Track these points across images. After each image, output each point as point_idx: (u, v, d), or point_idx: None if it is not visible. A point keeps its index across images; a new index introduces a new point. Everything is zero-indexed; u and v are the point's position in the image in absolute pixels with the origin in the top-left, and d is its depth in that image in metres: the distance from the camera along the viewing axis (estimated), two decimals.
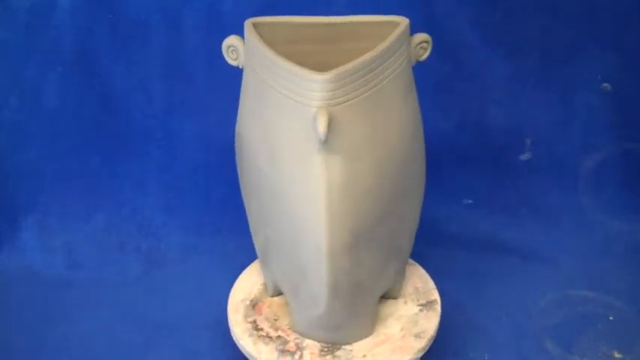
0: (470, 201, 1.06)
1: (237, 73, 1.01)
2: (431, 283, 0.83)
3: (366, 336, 0.76)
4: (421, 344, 0.75)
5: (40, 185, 1.04)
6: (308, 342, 0.75)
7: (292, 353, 0.74)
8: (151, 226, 1.04)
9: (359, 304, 0.72)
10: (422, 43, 0.69)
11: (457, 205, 1.06)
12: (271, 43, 0.65)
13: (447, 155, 1.06)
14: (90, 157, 1.04)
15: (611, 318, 0.89)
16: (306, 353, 0.74)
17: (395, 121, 0.66)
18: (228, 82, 1.01)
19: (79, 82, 1.01)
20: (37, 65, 1.00)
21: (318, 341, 0.75)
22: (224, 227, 1.04)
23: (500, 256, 1.00)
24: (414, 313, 0.78)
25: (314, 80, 0.60)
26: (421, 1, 0.98)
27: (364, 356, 0.73)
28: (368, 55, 0.62)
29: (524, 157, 1.07)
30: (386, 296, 0.79)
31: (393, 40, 0.64)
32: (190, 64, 1.01)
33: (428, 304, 0.79)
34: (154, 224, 1.04)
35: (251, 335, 0.76)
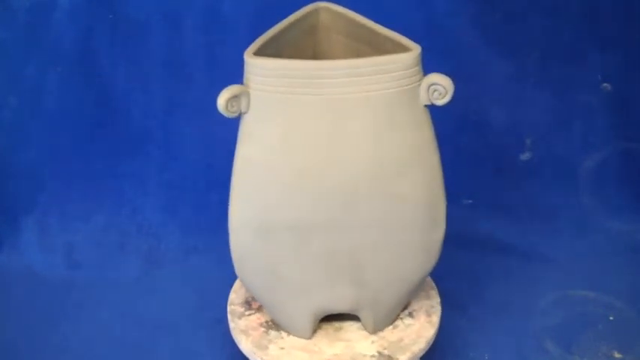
0: (470, 201, 1.06)
1: (237, 73, 1.01)
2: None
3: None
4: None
5: (40, 185, 1.04)
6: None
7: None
8: (151, 226, 1.04)
9: None
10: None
11: (457, 205, 1.06)
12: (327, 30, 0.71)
13: (447, 155, 1.05)
14: (90, 157, 1.04)
15: (611, 318, 0.89)
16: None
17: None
18: (229, 82, 1.01)
19: (79, 82, 1.01)
20: (37, 65, 1.00)
21: (381, 327, 0.76)
22: (224, 227, 1.03)
23: (500, 256, 1.00)
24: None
25: (412, 57, 0.63)
26: (421, 0, 0.98)
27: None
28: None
29: (524, 157, 1.07)
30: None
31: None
32: (190, 64, 1.01)
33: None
34: (154, 224, 1.04)
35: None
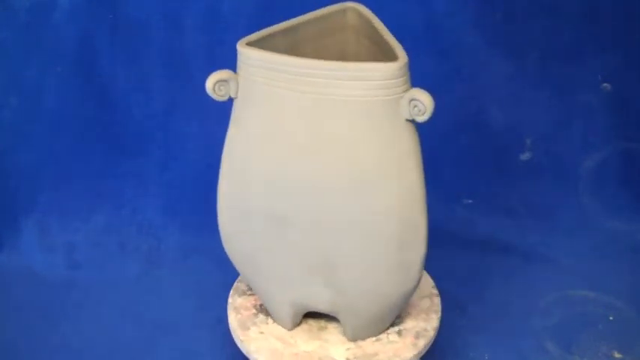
0: (470, 201, 1.06)
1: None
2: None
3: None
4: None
5: (40, 185, 1.04)
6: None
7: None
8: (151, 226, 1.04)
9: None
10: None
11: (457, 205, 1.06)
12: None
13: (447, 155, 1.06)
14: (90, 157, 1.04)
15: (611, 318, 0.89)
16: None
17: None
18: None
19: (79, 82, 1.01)
20: (37, 65, 1.00)
21: (374, 336, 0.76)
22: None
23: (500, 256, 1.00)
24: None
25: (392, 68, 0.61)
26: (421, 0, 0.98)
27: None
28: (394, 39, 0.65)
29: (524, 157, 1.07)
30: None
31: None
32: (190, 64, 1.01)
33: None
34: (154, 224, 1.04)
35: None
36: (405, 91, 0.62)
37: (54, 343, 0.87)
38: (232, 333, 0.78)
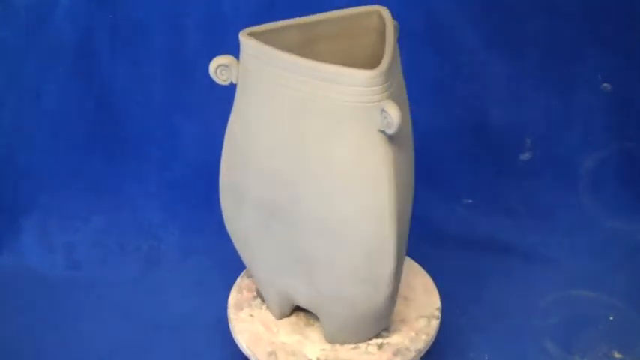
0: (470, 201, 1.06)
1: None
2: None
3: (389, 323, 0.76)
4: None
5: (40, 185, 1.04)
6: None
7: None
8: (151, 226, 1.04)
9: (396, 292, 0.74)
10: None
11: (457, 205, 1.06)
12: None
13: (447, 155, 1.06)
14: (90, 157, 1.04)
15: (611, 318, 0.89)
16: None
17: (405, 104, 0.69)
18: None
19: (79, 82, 1.01)
20: (37, 65, 1.00)
21: (353, 343, 0.75)
22: (224, 227, 1.03)
23: (500, 256, 1.00)
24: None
25: (366, 77, 0.60)
26: (421, 0, 0.98)
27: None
28: (391, 47, 0.63)
29: (524, 157, 1.07)
30: None
31: (394, 31, 0.65)
32: (190, 64, 1.01)
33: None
34: (154, 224, 1.04)
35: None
36: (380, 100, 0.61)
37: (54, 343, 0.87)
38: (227, 309, 0.80)
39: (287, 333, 0.76)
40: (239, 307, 0.80)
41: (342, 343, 0.75)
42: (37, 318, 0.90)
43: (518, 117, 1.05)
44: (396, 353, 0.74)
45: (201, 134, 1.04)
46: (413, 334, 0.76)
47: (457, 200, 1.06)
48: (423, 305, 0.79)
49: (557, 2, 0.99)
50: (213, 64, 0.67)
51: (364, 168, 0.63)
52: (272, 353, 0.74)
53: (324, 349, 0.74)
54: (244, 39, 0.65)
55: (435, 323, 0.77)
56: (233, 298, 0.81)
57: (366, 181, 0.64)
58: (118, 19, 0.99)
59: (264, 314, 0.79)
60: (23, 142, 1.03)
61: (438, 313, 0.78)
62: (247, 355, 0.75)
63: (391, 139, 0.63)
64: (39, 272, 0.98)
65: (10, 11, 0.97)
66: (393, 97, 0.62)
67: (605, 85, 1.03)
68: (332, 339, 0.75)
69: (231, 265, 0.88)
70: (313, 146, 0.64)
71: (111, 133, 1.04)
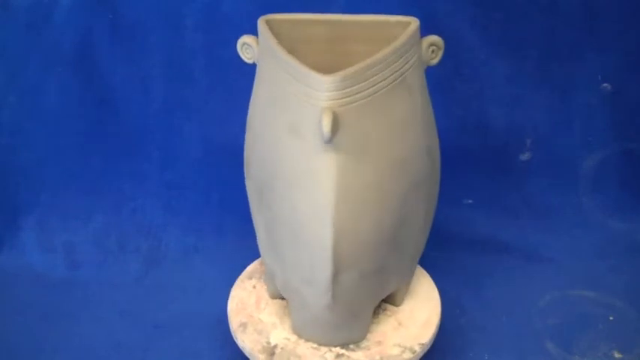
0: (470, 201, 1.06)
1: (236, 73, 1.01)
2: (431, 283, 0.83)
3: (363, 337, 0.75)
4: (420, 345, 0.75)
5: (40, 185, 1.04)
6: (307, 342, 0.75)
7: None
8: (151, 226, 1.04)
9: (359, 306, 0.72)
10: (432, 47, 0.68)
11: (457, 205, 1.06)
12: (285, 40, 0.67)
13: (447, 155, 1.05)
14: (90, 157, 1.04)
15: (611, 318, 0.89)
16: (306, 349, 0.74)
17: (405, 124, 0.66)
18: (229, 82, 1.01)
19: (79, 82, 1.01)
20: (37, 65, 1.00)
21: (316, 343, 0.75)
22: (224, 227, 1.04)
23: (500, 256, 1.00)
24: (414, 313, 0.78)
25: (320, 81, 0.60)
26: (421, 0, 0.98)
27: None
28: (374, 58, 0.62)
29: (524, 157, 1.07)
30: (387, 301, 0.79)
31: (400, 44, 0.64)
32: (190, 64, 1.01)
33: (427, 304, 0.79)
34: (154, 224, 1.04)
35: (238, 303, 0.77)
36: (326, 106, 0.61)
37: (54, 343, 0.87)
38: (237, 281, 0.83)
39: (270, 313, 0.78)
40: (249, 277, 0.83)
41: (306, 339, 0.75)
42: (37, 318, 0.90)
43: (518, 117, 1.05)
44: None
45: (201, 134, 1.04)
46: (377, 357, 0.73)
47: (457, 200, 1.06)
48: (410, 336, 0.75)
49: (557, 2, 0.99)
50: (239, 42, 0.71)
51: (310, 172, 0.64)
52: (243, 325, 0.76)
53: (287, 339, 0.75)
54: (260, 23, 0.68)
55: (407, 356, 0.73)
56: (250, 266, 0.85)
57: (312, 186, 0.64)
58: (118, 19, 0.99)
59: (265, 291, 0.81)
60: (23, 142, 1.03)
61: (417, 349, 0.74)
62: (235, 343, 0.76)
63: (337, 147, 0.62)
64: (39, 272, 0.98)
65: (10, 11, 0.97)
66: (364, 108, 0.62)
67: (605, 85, 1.03)
68: (296, 331, 0.75)
69: (231, 265, 0.88)
70: (282, 143, 0.65)
71: (111, 133, 1.04)
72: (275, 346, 0.74)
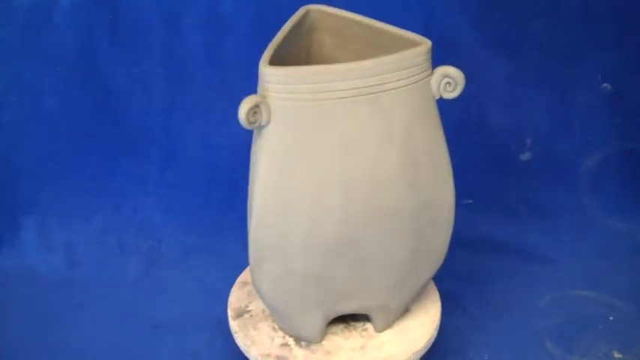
0: (470, 201, 1.06)
1: (236, 73, 1.01)
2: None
3: (315, 340, 0.75)
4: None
5: (40, 185, 1.04)
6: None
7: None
8: (151, 226, 1.04)
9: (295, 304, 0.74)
10: (445, 78, 0.64)
11: (457, 205, 1.06)
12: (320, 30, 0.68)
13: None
14: (90, 157, 1.04)
15: (611, 318, 0.89)
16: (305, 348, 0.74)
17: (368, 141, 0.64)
18: (229, 82, 1.01)
19: (79, 82, 1.01)
20: (37, 65, 1.00)
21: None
22: (224, 227, 1.04)
23: (500, 256, 1.00)
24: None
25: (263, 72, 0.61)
26: (421, 0, 0.98)
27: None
28: (329, 67, 0.61)
29: (524, 157, 1.07)
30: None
31: (369, 63, 0.62)
32: (190, 64, 1.01)
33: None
34: (154, 224, 1.04)
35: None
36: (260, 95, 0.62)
37: (54, 343, 0.87)
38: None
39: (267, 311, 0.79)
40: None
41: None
42: (37, 318, 0.90)
43: (518, 117, 1.05)
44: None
45: (201, 134, 1.04)
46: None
47: (457, 200, 1.06)
48: (410, 337, 0.76)
49: (557, 2, 0.99)
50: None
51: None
52: (243, 324, 0.77)
53: (282, 337, 0.76)
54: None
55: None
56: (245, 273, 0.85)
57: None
58: (118, 19, 0.99)
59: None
60: (23, 142, 1.03)
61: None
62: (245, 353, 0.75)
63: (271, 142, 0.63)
64: (39, 272, 0.98)
65: (10, 11, 0.97)
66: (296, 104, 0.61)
67: (605, 85, 1.03)
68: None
69: (231, 265, 0.88)
70: None
71: (111, 133, 1.04)
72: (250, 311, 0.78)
